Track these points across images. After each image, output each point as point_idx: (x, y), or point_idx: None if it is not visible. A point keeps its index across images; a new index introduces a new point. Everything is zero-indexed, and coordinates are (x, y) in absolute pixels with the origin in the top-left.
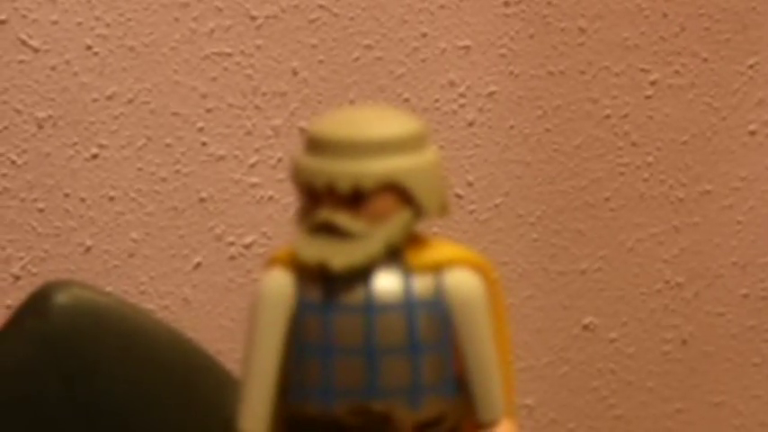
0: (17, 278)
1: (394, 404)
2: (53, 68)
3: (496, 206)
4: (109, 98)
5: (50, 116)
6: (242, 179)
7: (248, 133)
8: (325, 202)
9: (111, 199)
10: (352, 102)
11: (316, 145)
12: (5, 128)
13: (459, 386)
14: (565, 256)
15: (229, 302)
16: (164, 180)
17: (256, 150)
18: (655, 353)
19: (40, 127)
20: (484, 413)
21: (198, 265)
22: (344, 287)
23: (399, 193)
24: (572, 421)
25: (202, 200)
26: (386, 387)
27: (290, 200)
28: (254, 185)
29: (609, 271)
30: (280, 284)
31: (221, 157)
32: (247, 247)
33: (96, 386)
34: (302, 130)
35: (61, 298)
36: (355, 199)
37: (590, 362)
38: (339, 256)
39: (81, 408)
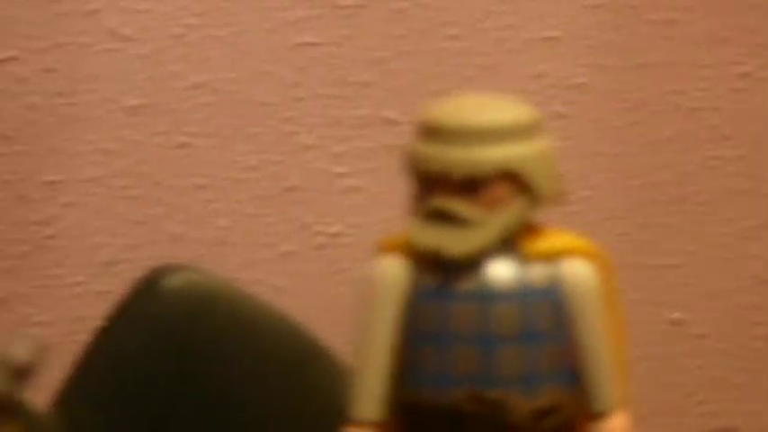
0: (107, 265)
1: (509, 392)
2: (143, 57)
3: (585, 199)
4: (198, 87)
5: (140, 105)
6: (329, 168)
7: (335, 123)
8: (439, 189)
9: (201, 187)
10: (436, 93)
11: (431, 132)
12: (97, 116)
13: (575, 376)
14: (653, 250)
15: (316, 291)
16: (252, 169)
17: (343, 140)
18: (744, 349)
19: (131, 115)
20: (597, 403)
21: (285, 253)
22: (459, 275)
23: (515, 180)
24: (659, 417)
25: (290, 189)
26: (501, 375)
27: (376, 190)
28: (340, 175)
29: (697, 266)
30: (394, 271)
31: (309, 147)
32: (334, 236)
33: (206, 370)
34: (388, 121)
35: (172, 281)
36: (470, 186)
37: (678, 357)
38: (454, 243)
39: (192, 392)
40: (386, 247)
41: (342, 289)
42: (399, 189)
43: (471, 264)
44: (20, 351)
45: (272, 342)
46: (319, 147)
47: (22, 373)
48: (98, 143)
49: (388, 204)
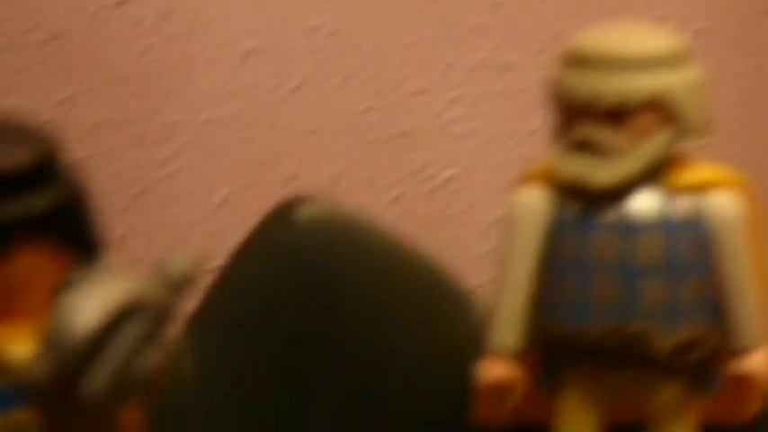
0: (220, 206)
1: (651, 326)
2: (259, 1)
3: (700, 148)
4: (313, 30)
5: (256, 48)
6: (442, 113)
7: (450, 66)
8: (585, 118)
9: (313, 130)
10: (554, 36)
11: (578, 60)
12: (212, 58)
13: (717, 311)
14: None
15: (427, 235)
16: (365, 112)
17: (458, 84)
18: None
19: (246, 57)
20: (738, 339)
21: (397, 197)
22: (603, 205)
23: (663, 110)
24: None
25: (402, 133)
26: (643, 308)
27: (489, 134)
28: (454, 120)
29: None
30: (536, 201)
31: (422, 91)
32: (446, 181)
33: (337, 300)
34: (504, 65)
35: (306, 211)
36: (617, 115)
37: None
38: (599, 173)
39: (321, 321)
40: (527, 178)
41: (452, 233)
42: (513, 134)
43: (615, 194)
44: (178, 264)
45: (403, 274)
46: (433, 91)
47: (179, 286)
48: (214, 85)
49: (502, 149)
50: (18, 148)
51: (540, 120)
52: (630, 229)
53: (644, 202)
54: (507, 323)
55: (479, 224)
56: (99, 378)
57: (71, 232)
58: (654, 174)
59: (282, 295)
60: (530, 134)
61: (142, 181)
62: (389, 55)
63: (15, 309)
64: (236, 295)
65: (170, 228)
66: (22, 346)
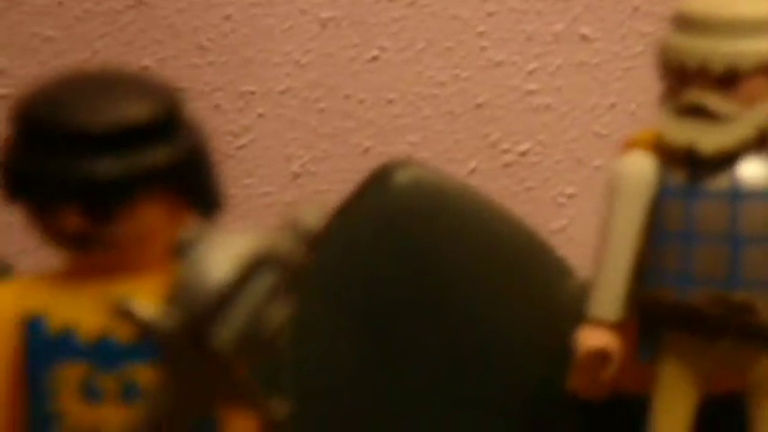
0: (297, 176)
1: (757, 295)
2: None
3: None
4: (391, 0)
5: (333, 17)
6: (520, 86)
7: (528, 39)
8: (694, 83)
9: (390, 101)
10: (634, 9)
11: (689, 24)
12: (290, 27)
13: None
14: None
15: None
16: (442, 84)
17: (536, 56)
18: None
19: (324, 27)
20: None
21: (473, 170)
22: (710, 172)
23: None
24: None
25: (479, 105)
26: (749, 277)
27: (567, 108)
28: (531, 92)
29: None
30: (641, 167)
31: (500, 63)
32: (522, 154)
33: (432, 267)
34: (583, 37)
35: (402, 176)
36: (728, 80)
37: None
38: (708, 138)
39: (415, 287)
40: (632, 144)
41: (527, 207)
42: (590, 108)
43: (723, 161)
44: (307, 217)
45: (498, 241)
46: (511, 63)
47: (308, 238)
48: (291, 55)
49: (579, 123)
50: (142, 101)
51: (618, 94)
52: (738, 196)
53: (753, 169)
54: (609, 292)
55: (554, 199)
56: (229, 330)
57: (193, 187)
58: (763, 140)
59: (378, 260)
60: (608, 108)
61: (219, 150)
62: (468, 26)
63: (136, 262)
64: (331, 260)
65: (246, 198)
66: (147, 300)
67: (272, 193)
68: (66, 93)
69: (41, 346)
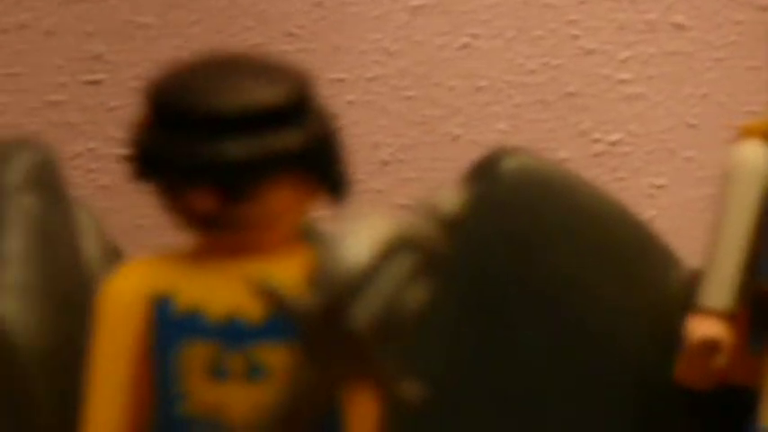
0: (385, 163)
1: None
2: None
3: None
4: None
5: (424, 4)
6: (611, 74)
7: (621, 27)
8: None
9: (480, 89)
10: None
11: None
12: (380, 15)
13: None
14: None
15: None
16: (532, 72)
17: (628, 45)
18: None
19: (414, 15)
20: None
21: (563, 160)
22: None
23: None
24: None
25: (570, 94)
26: None
27: (659, 98)
28: (623, 81)
29: None
30: (755, 157)
31: (591, 51)
32: (613, 144)
33: (538, 256)
34: (677, 26)
35: (509, 164)
36: None
37: None
38: None
39: (521, 275)
40: (747, 132)
41: (617, 198)
42: (683, 98)
43: None
44: (447, 201)
45: (606, 230)
46: (603, 51)
47: (447, 222)
48: (381, 42)
49: (671, 113)
50: (275, 85)
51: (710, 84)
52: None
53: None
54: (720, 281)
55: (644, 189)
56: (366, 313)
57: (322, 170)
58: None
59: (484, 248)
60: (700, 98)
61: None
62: (560, 14)
63: (265, 244)
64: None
65: None
66: (284, 279)
67: (361, 181)
68: (200, 76)
69: (170, 325)
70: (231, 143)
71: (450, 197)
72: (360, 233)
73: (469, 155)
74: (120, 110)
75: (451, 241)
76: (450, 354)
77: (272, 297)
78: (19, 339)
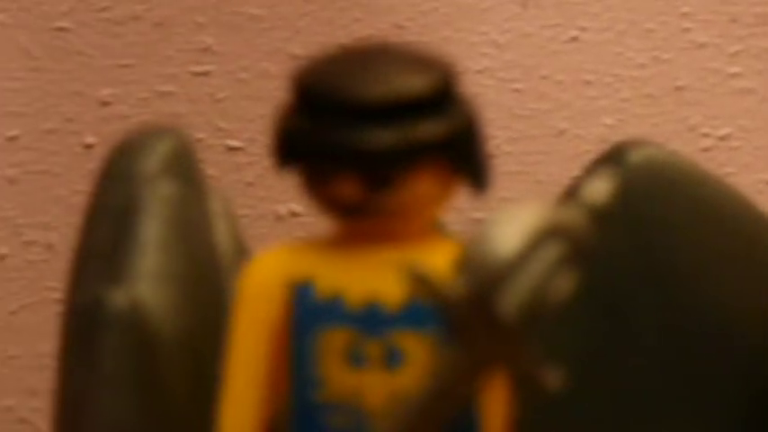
0: (490, 156)
1: None
2: None
3: None
4: None
5: None
6: (722, 68)
7: (733, 20)
8: None
9: (588, 83)
10: None
11: None
12: (490, 7)
13: None
14: None
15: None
16: (641, 66)
17: (740, 39)
18: None
19: (524, 7)
20: None
21: None
22: None
23: None
24: None
25: (679, 88)
26: None
27: None
28: (734, 75)
29: None
30: None
31: (702, 45)
32: (722, 139)
33: (664, 247)
34: None
35: (636, 156)
36: None
37: None
38: None
39: (647, 266)
40: None
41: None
42: None
43: None
44: (595, 190)
45: (732, 225)
46: (714, 45)
47: (594, 214)
48: (489, 35)
49: None
50: (421, 73)
51: None
52: None
53: None
54: None
55: (753, 185)
56: (515, 300)
57: (466, 159)
58: None
59: (610, 239)
60: None
61: None
62: (671, 7)
63: (406, 231)
64: None
65: None
66: (434, 266)
67: None
68: (347, 64)
69: (309, 311)
70: (377, 131)
71: (598, 186)
72: (509, 221)
73: (575, 149)
74: (227, 101)
75: (598, 231)
76: (571, 340)
77: (422, 283)
78: (155, 325)
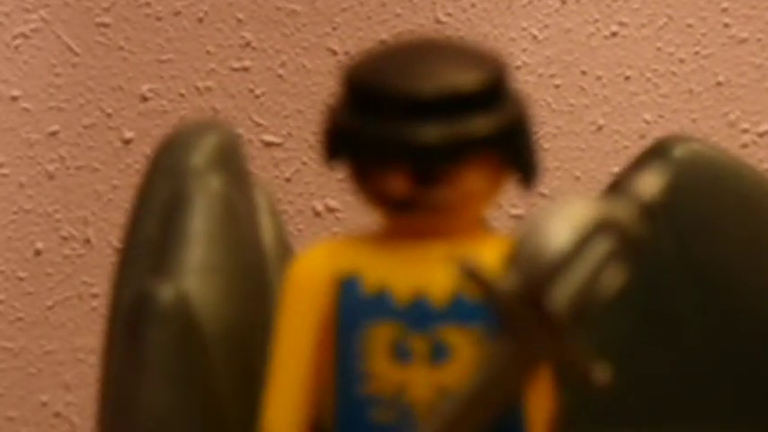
0: None
1: None
2: None
3: None
4: None
5: None
6: (763, 64)
7: None
8: None
9: (627, 78)
10: None
11: None
12: (530, 2)
13: None
14: None
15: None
16: (681, 61)
17: None
18: None
19: (563, 2)
20: None
21: None
22: None
23: None
24: None
25: (719, 84)
26: None
27: None
28: None
29: None
30: None
31: (743, 40)
32: (761, 135)
33: (708, 244)
34: None
35: (680, 151)
36: None
37: None
38: None
39: (690, 264)
40: None
41: None
42: None
43: None
44: (646, 187)
45: None
46: (755, 40)
47: (646, 209)
48: (529, 30)
49: None
50: (472, 69)
51: None
52: None
53: None
54: None
55: None
56: (566, 295)
57: (516, 154)
58: None
59: (653, 235)
60: None
61: None
62: (711, 2)
63: (455, 227)
64: None
65: None
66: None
67: None
68: (398, 59)
69: (355, 305)
70: (427, 126)
71: (650, 182)
72: (561, 216)
73: (613, 145)
74: (265, 96)
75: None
76: (611, 338)
77: (472, 278)
78: (202, 318)
